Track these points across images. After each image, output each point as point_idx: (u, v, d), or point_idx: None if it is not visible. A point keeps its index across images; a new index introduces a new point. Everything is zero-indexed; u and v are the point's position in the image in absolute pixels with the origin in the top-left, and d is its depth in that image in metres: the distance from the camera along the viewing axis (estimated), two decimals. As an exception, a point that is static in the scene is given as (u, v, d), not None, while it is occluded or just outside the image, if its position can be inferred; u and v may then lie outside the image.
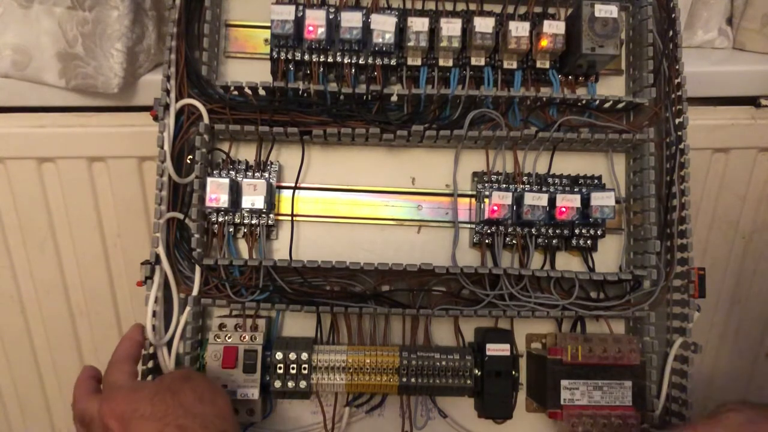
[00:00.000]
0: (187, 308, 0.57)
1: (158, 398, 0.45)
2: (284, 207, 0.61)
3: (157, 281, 0.56)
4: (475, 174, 0.62)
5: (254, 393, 0.56)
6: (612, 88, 0.64)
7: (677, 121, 0.59)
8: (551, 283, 0.59)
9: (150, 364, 0.55)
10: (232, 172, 0.59)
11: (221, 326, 0.59)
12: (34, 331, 0.83)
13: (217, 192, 0.56)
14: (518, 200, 0.58)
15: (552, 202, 0.58)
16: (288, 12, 0.56)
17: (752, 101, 0.79)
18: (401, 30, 0.58)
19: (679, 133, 0.59)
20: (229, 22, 0.62)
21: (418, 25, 0.57)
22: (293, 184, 0.61)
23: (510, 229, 0.60)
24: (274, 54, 0.58)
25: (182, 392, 0.46)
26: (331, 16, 0.57)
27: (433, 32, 0.59)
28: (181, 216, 0.57)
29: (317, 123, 0.58)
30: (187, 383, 0.47)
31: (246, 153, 0.61)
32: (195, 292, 0.57)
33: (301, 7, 0.57)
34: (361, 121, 0.58)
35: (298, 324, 0.62)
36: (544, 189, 0.61)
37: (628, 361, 0.57)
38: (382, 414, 0.62)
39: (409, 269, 0.56)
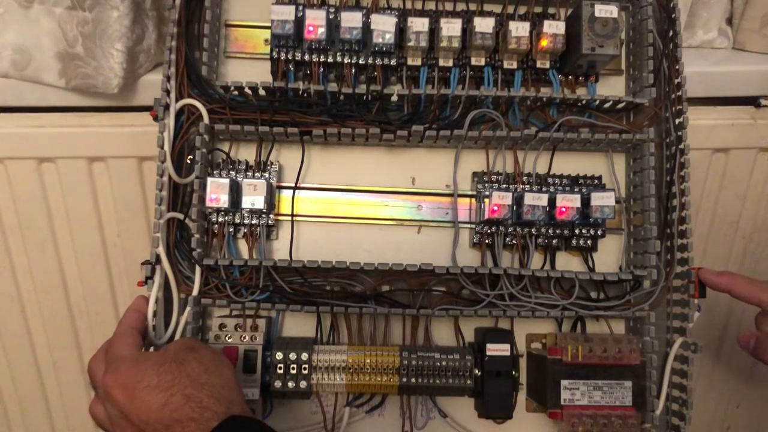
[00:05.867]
0: (188, 308, 0.57)
1: (164, 369, 0.44)
2: (284, 207, 0.61)
3: (157, 281, 0.56)
4: (475, 174, 0.62)
5: (254, 393, 0.56)
6: (612, 88, 0.64)
7: (677, 121, 0.59)
8: (551, 283, 0.59)
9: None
10: (232, 172, 0.59)
11: (221, 326, 0.59)
12: (34, 331, 0.83)
13: (217, 192, 0.56)
14: (518, 200, 0.58)
15: (552, 202, 0.58)
16: (288, 12, 0.56)
17: (752, 101, 0.79)
18: (401, 30, 0.58)
19: (679, 133, 0.59)
20: (229, 22, 0.62)
21: (418, 25, 0.57)
22: (293, 184, 0.61)
23: (510, 229, 0.60)
24: (274, 54, 0.58)
25: (188, 363, 0.45)
26: (331, 16, 0.57)
27: (433, 32, 0.59)
28: (181, 216, 0.57)
29: (317, 123, 0.58)
30: (192, 354, 0.47)
31: (246, 153, 0.61)
32: (195, 292, 0.57)
33: (301, 7, 0.57)
34: (361, 121, 0.58)
35: (298, 324, 0.62)
36: (544, 189, 0.61)
37: (628, 361, 0.57)
38: (382, 414, 0.62)
39: (409, 269, 0.56)
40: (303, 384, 0.56)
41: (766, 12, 0.77)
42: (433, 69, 0.60)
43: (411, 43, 0.57)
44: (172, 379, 0.44)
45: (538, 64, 0.60)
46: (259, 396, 0.56)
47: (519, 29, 0.58)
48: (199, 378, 0.45)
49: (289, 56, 0.58)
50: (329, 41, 0.58)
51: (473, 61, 0.60)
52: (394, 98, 0.59)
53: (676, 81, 0.60)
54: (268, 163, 0.60)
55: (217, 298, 0.57)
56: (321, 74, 0.59)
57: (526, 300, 0.58)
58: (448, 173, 0.62)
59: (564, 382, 0.57)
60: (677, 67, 0.60)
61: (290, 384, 0.56)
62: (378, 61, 0.59)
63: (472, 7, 0.62)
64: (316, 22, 0.56)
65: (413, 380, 0.56)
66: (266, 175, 0.60)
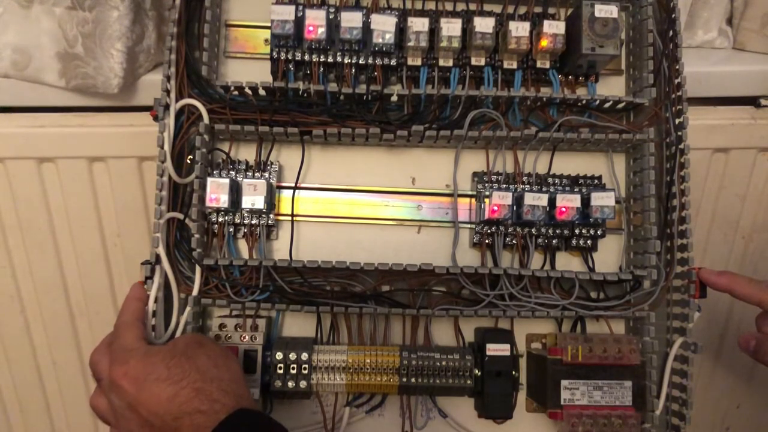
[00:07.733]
0: (188, 308, 0.57)
1: (174, 362, 0.45)
2: (284, 207, 0.61)
3: (157, 281, 0.56)
4: (475, 174, 0.62)
5: (254, 393, 0.56)
6: (612, 88, 0.64)
7: (677, 121, 0.59)
8: (551, 283, 0.59)
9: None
10: (232, 172, 0.59)
11: (221, 326, 0.59)
12: (34, 330, 0.83)
13: (217, 192, 0.56)
14: (518, 200, 0.58)
15: (552, 202, 0.58)
16: (288, 12, 0.56)
17: (752, 101, 0.78)
18: (401, 30, 0.58)
19: (679, 133, 0.59)
20: (229, 22, 0.62)
21: (418, 25, 0.57)
22: (293, 184, 0.60)
23: (510, 229, 0.60)
24: (274, 54, 0.58)
25: (197, 357, 0.46)
26: (331, 16, 0.57)
27: (433, 32, 0.59)
28: (181, 216, 0.57)
29: (317, 123, 0.58)
30: (202, 348, 0.47)
31: (246, 153, 0.61)
32: (195, 292, 0.57)
33: (301, 7, 0.57)
34: (361, 121, 0.58)
35: (298, 324, 0.62)
36: (544, 189, 0.61)
37: (628, 361, 0.57)
38: (382, 414, 0.62)
39: (409, 269, 0.56)
40: (303, 384, 0.56)
41: (766, 12, 0.77)
42: (433, 69, 0.60)
43: (411, 43, 0.57)
44: (182, 372, 0.44)
45: (538, 64, 0.60)
46: (259, 396, 0.56)
47: (519, 29, 0.58)
48: (209, 372, 0.45)
49: (289, 56, 0.58)
50: (329, 41, 0.58)
51: (473, 61, 0.60)
52: (394, 98, 0.59)
53: (676, 81, 0.60)
54: (268, 163, 0.60)
55: (217, 298, 0.57)
56: (321, 74, 0.59)
57: (526, 300, 0.58)
58: (448, 173, 0.62)
59: (564, 382, 0.57)
60: (677, 67, 0.60)
61: (290, 384, 0.56)
62: (378, 61, 0.59)
63: (472, 7, 0.62)
64: (316, 22, 0.56)
65: (413, 380, 0.56)
66: (266, 175, 0.60)
